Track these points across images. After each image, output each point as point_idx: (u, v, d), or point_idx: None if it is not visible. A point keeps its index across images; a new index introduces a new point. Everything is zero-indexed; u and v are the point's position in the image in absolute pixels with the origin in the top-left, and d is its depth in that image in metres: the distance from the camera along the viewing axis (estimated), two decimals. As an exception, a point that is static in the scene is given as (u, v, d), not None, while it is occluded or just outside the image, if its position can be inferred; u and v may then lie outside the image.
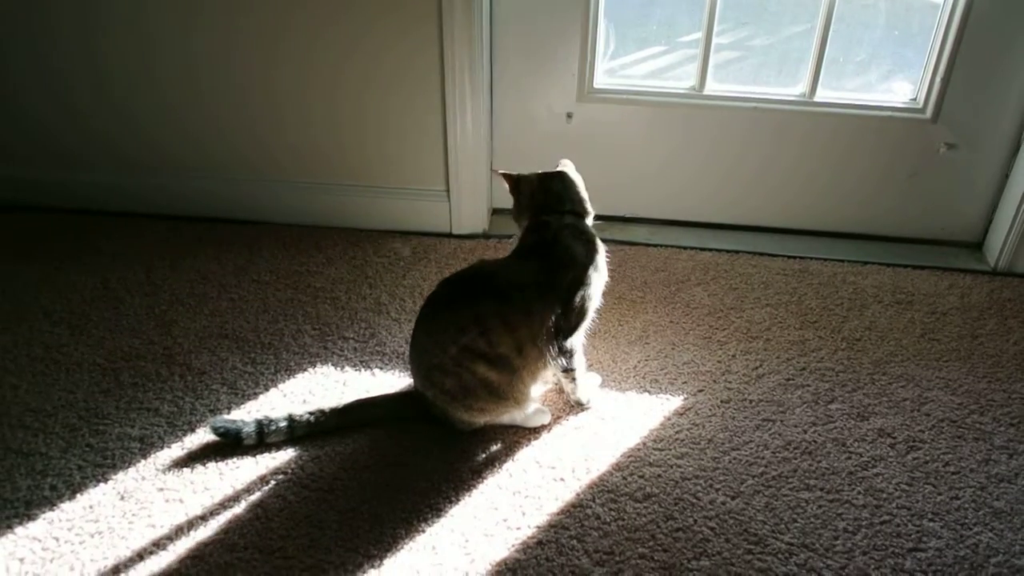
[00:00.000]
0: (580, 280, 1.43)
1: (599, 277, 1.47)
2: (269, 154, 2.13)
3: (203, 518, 1.31)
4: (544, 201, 1.51)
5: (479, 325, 1.36)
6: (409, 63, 1.95)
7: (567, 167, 1.57)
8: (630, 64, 2.13)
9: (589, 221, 1.55)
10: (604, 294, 1.50)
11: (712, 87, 2.04)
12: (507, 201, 2.32)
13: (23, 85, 2.09)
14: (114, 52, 2.01)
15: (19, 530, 1.28)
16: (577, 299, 1.42)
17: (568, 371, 1.46)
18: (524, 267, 1.44)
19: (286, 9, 1.91)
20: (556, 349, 1.41)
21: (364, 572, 1.22)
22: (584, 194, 1.55)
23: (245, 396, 1.57)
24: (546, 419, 1.51)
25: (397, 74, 1.97)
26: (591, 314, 1.47)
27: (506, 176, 1.55)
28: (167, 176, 2.19)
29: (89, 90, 2.07)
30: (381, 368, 1.66)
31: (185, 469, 1.40)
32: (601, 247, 1.50)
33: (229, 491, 1.35)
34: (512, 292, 1.39)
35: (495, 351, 1.37)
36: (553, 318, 1.40)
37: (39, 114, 2.13)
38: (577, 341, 1.46)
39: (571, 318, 1.43)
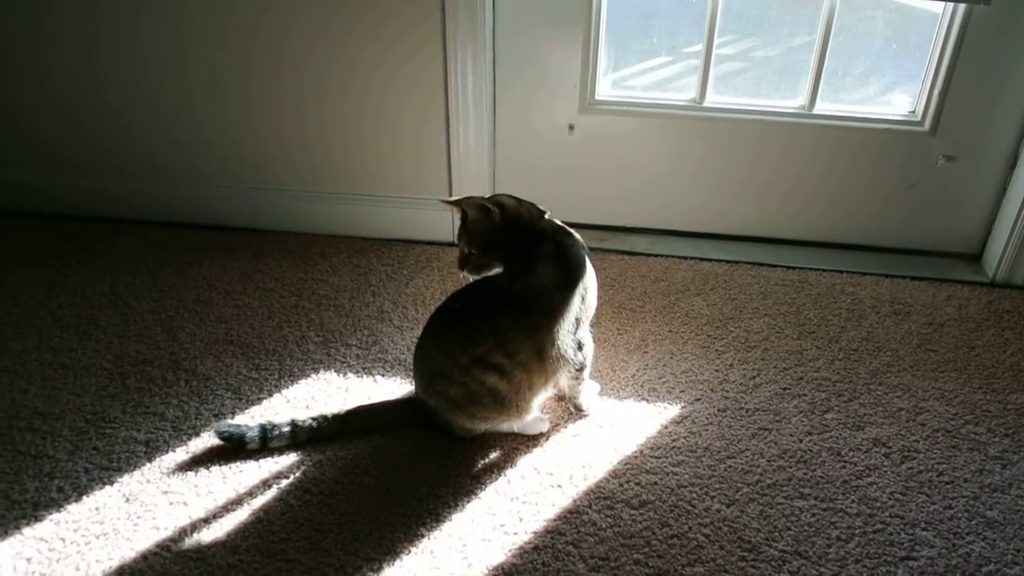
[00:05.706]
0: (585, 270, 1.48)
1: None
2: (274, 163, 2.16)
3: (206, 521, 1.33)
4: (529, 213, 1.52)
5: (496, 335, 1.37)
6: (412, 72, 1.98)
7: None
8: (631, 76, 2.15)
9: None
10: (604, 304, 1.52)
11: (712, 99, 2.06)
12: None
13: (23, 93, 2.13)
14: (112, 62, 2.05)
15: (26, 531, 1.30)
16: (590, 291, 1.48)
17: (580, 369, 1.48)
18: (540, 271, 1.43)
19: (286, 19, 1.95)
20: (575, 344, 1.44)
21: (363, 575, 1.24)
22: None
23: (249, 401, 1.59)
24: (545, 427, 1.53)
25: (400, 83, 2.00)
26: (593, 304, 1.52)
27: (481, 204, 1.45)
28: (173, 184, 2.22)
29: (89, 100, 2.11)
30: (383, 375, 1.68)
31: (189, 473, 1.42)
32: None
33: (232, 494, 1.38)
34: (529, 297, 1.39)
35: (514, 360, 1.38)
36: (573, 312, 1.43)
37: (44, 124, 2.17)
38: (584, 332, 1.48)
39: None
